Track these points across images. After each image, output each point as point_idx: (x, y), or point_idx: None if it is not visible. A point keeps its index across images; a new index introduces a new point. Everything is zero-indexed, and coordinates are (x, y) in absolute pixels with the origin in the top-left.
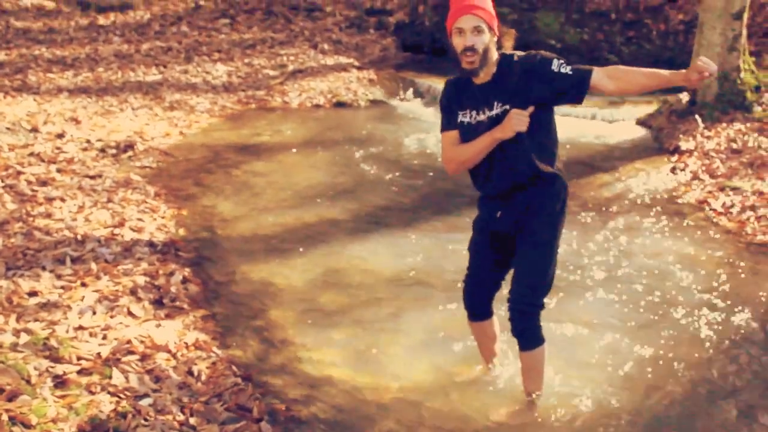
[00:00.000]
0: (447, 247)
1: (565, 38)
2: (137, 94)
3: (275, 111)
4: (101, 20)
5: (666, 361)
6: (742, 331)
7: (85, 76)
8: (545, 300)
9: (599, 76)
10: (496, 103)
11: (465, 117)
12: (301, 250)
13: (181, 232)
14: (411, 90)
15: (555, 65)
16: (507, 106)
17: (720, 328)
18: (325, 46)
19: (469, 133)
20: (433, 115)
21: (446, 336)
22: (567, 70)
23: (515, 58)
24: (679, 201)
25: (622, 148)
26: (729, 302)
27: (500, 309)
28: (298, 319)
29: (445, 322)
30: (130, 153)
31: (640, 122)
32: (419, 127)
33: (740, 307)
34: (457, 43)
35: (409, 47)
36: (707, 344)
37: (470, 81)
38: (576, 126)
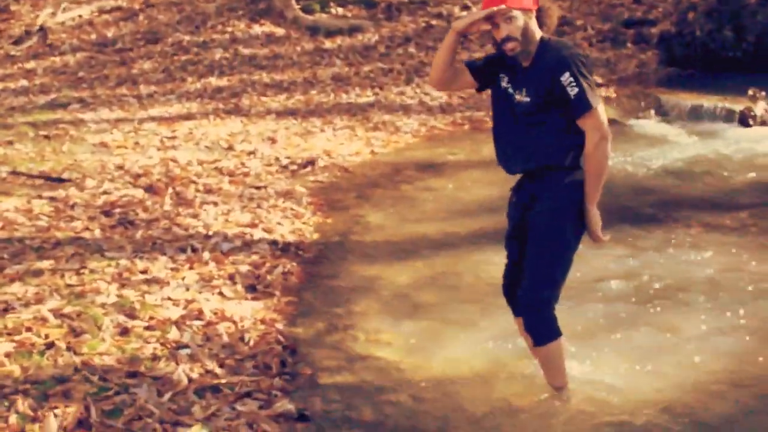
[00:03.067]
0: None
1: None
2: (344, 115)
3: (487, 132)
4: (327, 44)
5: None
6: None
7: (297, 98)
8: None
9: (589, 125)
10: (525, 91)
11: (504, 83)
12: (424, 254)
13: (315, 236)
14: (653, 108)
15: (566, 78)
16: (527, 99)
17: None
18: None
19: (501, 99)
20: (668, 132)
21: (516, 335)
22: (573, 92)
23: (550, 47)
24: None
25: None
26: None
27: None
28: (380, 310)
29: None
30: (309, 169)
31: None
32: (642, 144)
33: None
34: (495, 33)
35: (676, 61)
36: None
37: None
38: None
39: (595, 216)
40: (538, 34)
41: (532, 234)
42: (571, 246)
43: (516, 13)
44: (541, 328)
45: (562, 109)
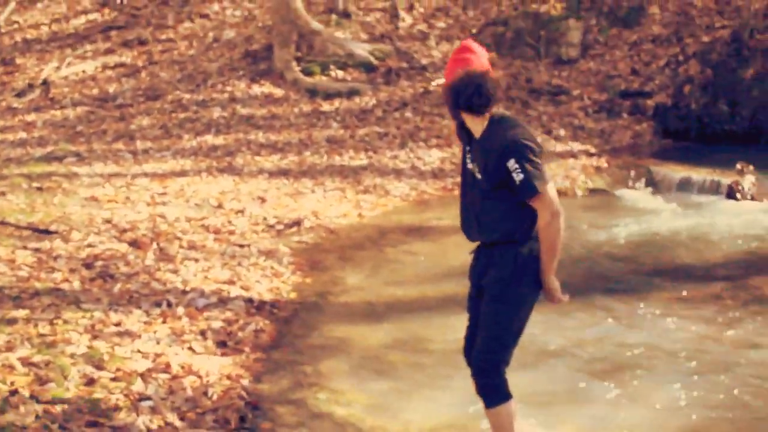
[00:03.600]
0: (554, 330)
1: None
2: (336, 177)
3: None
4: (325, 107)
5: None
6: None
7: (291, 159)
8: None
9: (539, 206)
10: (477, 166)
11: (467, 154)
12: (397, 317)
13: (292, 295)
14: (644, 179)
15: (511, 165)
16: (479, 176)
17: None
18: (561, 132)
19: (465, 168)
20: (655, 203)
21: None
22: (518, 178)
23: (497, 126)
24: None
25: None
26: None
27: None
28: (348, 370)
29: None
30: (295, 229)
31: None
32: (627, 215)
33: None
34: None
35: (670, 133)
36: None
37: None
38: None
39: (553, 283)
40: (467, 118)
41: (485, 300)
42: (520, 314)
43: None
44: (491, 390)
45: (511, 190)
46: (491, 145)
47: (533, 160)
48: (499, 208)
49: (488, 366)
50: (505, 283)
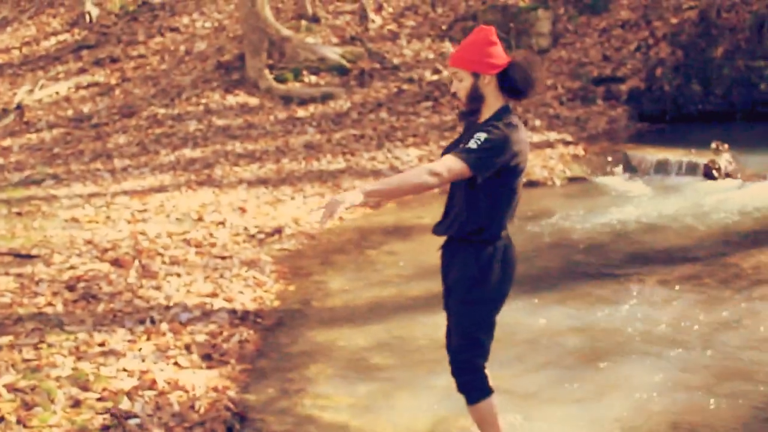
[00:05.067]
0: (534, 318)
1: None
2: (315, 183)
3: None
4: (300, 113)
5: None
6: None
7: (269, 167)
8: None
9: (441, 163)
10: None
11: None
12: (381, 318)
13: (276, 303)
14: (621, 164)
15: (476, 135)
16: None
17: None
18: (537, 123)
19: None
20: (633, 187)
21: None
22: (467, 144)
23: (496, 118)
24: None
25: None
26: None
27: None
28: (333, 374)
29: None
30: (276, 237)
31: None
32: (606, 200)
33: None
34: None
35: (645, 116)
36: None
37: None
38: None
39: (352, 198)
40: (494, 98)
41: (452, 300)
42: (488, 311)
43: (462, 73)
44: (470, 387)
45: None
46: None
47: (484, 147)
48: (472, 200)
49: (464, 365)
50: (470, 284)
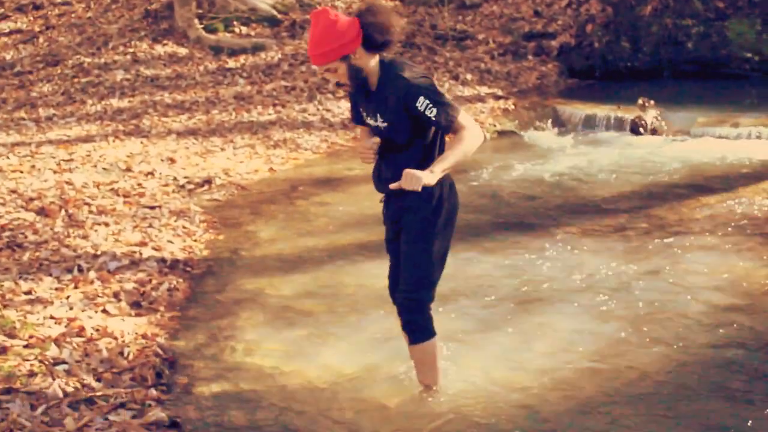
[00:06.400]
0: (466, 268)
1: (764, 50)
2: (246, 134)
3: None
4: (230, 63)
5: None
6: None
7: (199, 118)
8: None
9: (461, 127)
10: (379, 116)
11: (367, 119)
12: (310, 267)
13: (205, 252)
14: (550, 119)
15: (420, 103)
16: (386, 124)
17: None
18: (468, 77)
19: (377, 134)
20: (561, 142)
21: (394, 338)
22: (432, 113)
23: (392, 74)
24: None
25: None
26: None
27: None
28: (263, 321)
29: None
30: (205, 187)
31: None
32: (534, 155)
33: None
34: None
35: (576, 72)
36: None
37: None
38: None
39: (431, 177)
40: (372, 60)
41: (404, 240)
42: (441, 250)
43: (333, 65)
44: (416, 327)
45: (425, 130)
46: (390, 90)
47: (438, 92)
48: (408, 158)
49: (413, 304)
50: (426, 223)
